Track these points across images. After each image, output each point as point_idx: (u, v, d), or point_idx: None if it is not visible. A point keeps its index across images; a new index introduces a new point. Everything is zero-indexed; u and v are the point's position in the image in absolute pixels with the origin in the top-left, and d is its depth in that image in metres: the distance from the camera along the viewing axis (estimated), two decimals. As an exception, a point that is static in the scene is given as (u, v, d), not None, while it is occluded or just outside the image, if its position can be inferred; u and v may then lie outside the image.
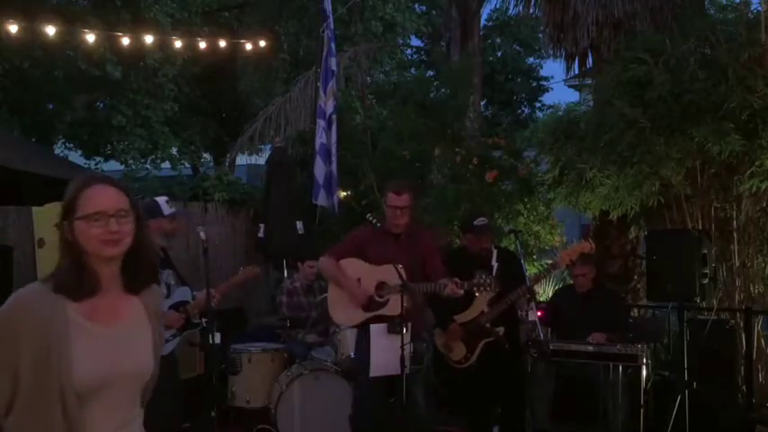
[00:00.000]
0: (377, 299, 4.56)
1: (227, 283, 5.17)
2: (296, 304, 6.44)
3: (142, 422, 1.98)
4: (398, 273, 4.29)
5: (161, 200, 4.95)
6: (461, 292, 4.41)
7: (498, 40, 21.02)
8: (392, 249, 4.55)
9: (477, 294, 5.05)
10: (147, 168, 13.43)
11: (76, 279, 1.83)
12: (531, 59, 21.24)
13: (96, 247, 1.83)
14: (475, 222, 5.22)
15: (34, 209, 6.64)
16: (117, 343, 1.87)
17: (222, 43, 9.41)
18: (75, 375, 1.76)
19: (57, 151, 13.97)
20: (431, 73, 16.33)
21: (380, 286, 4.56)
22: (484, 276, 4.42)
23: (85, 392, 1.79)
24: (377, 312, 4.54)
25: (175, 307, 4.82)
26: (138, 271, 1.93)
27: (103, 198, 1.85)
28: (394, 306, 4.42)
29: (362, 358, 4.65)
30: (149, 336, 1.97)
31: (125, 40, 8.90)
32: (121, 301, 1.93)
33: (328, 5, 8.07)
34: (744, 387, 5.70)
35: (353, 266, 4.67)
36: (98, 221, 1.82)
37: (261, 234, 7.97)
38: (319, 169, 7.63)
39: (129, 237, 1.87)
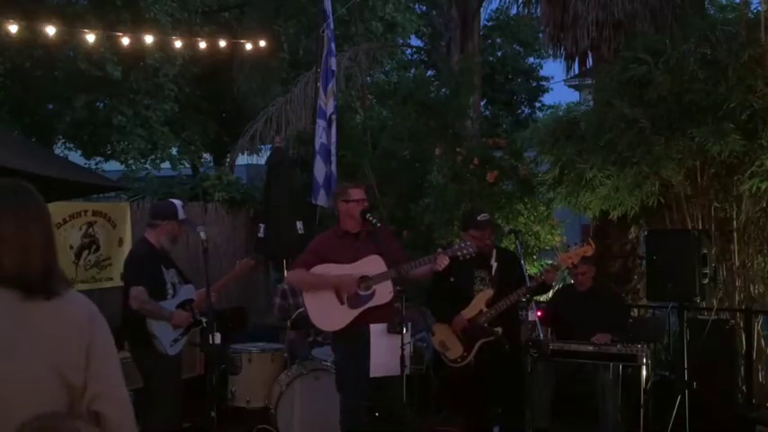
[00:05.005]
0: (361, 293, 4.49)
1: (222, 279, 5.15)
2: (288, 306, 6.39)
3: None
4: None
5: (177, 203, 4.93)
6: (447, 260, 4.46)
7: (498, 40, 20.98)
8: (356, 248, 4.54)
9: (476, 293, 5.09)
10: (147, 168, 13.41)
11: None
12: (531, 59, 21.19)
13: None
14: (478, 218, 5.21)
15: (34, 209, 6.62)
16: None
17: (222, 43, 9.40)
18: None
19: (57, 151, 13.93)
20: (431, 73, 16.31)
21: (361, 281, 4.49)
22: (463, 243, 4.57)
23: None
24: (366, 306, 4.47)
25: (182, 305, 4.81)
26: None
27: None
28: (381, 295, 4.43)
29: (343, 363, 4.64)
30: None
31: (125, 40, 8.90)
32: None
33: (328, 5, 8.07)
34: (744, 387, 5.71)
35: (326, 270, 4.59)
36: None
37: (261, 234, 7.96)
38: (319, 169, 7.63)
39: None
